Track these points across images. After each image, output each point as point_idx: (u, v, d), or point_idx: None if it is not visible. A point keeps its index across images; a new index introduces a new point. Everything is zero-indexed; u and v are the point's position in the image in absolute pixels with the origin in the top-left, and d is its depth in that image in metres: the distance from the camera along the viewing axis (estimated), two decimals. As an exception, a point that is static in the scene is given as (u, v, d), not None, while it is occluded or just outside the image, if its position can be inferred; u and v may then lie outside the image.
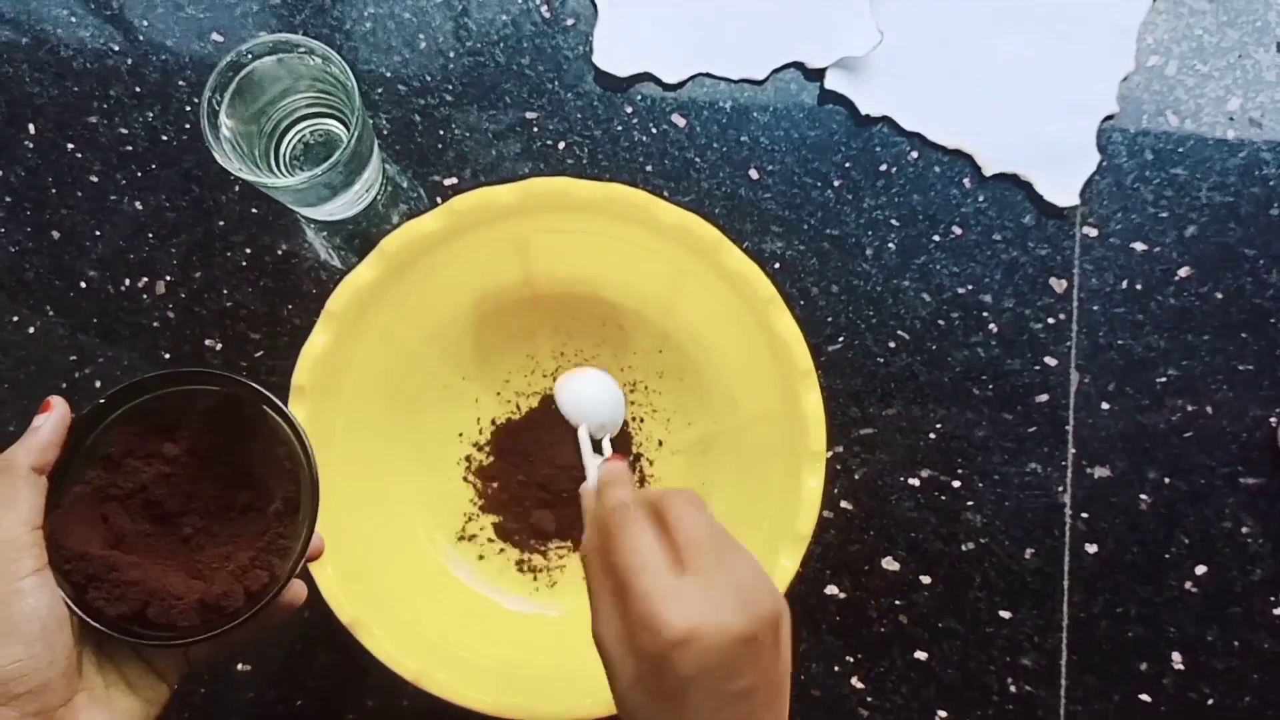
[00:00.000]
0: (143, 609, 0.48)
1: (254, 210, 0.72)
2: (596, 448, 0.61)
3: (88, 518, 0.49)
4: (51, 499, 0.48)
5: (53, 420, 0.49)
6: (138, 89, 0.73)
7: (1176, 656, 0.69)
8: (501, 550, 0.70)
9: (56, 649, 0.45)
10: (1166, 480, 0.70)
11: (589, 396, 0.66)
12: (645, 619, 0.43)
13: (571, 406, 0.65)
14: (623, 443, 0.70)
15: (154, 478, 0.51)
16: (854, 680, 0.69)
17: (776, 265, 0.72)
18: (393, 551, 0.67)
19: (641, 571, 0.45)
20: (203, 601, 0.48)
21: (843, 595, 0.70)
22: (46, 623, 0.45)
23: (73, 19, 0.73)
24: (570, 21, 0.74)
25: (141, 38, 0.73)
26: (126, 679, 0.49)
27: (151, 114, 0.73)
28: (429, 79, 0.73)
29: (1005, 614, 0.69)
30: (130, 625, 0.48)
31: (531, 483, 0.70)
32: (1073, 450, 0.70)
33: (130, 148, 0.73)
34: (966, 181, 0.72)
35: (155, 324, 0.71)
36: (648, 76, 0.73)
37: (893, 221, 0.72)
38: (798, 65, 0.73)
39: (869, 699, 0.69)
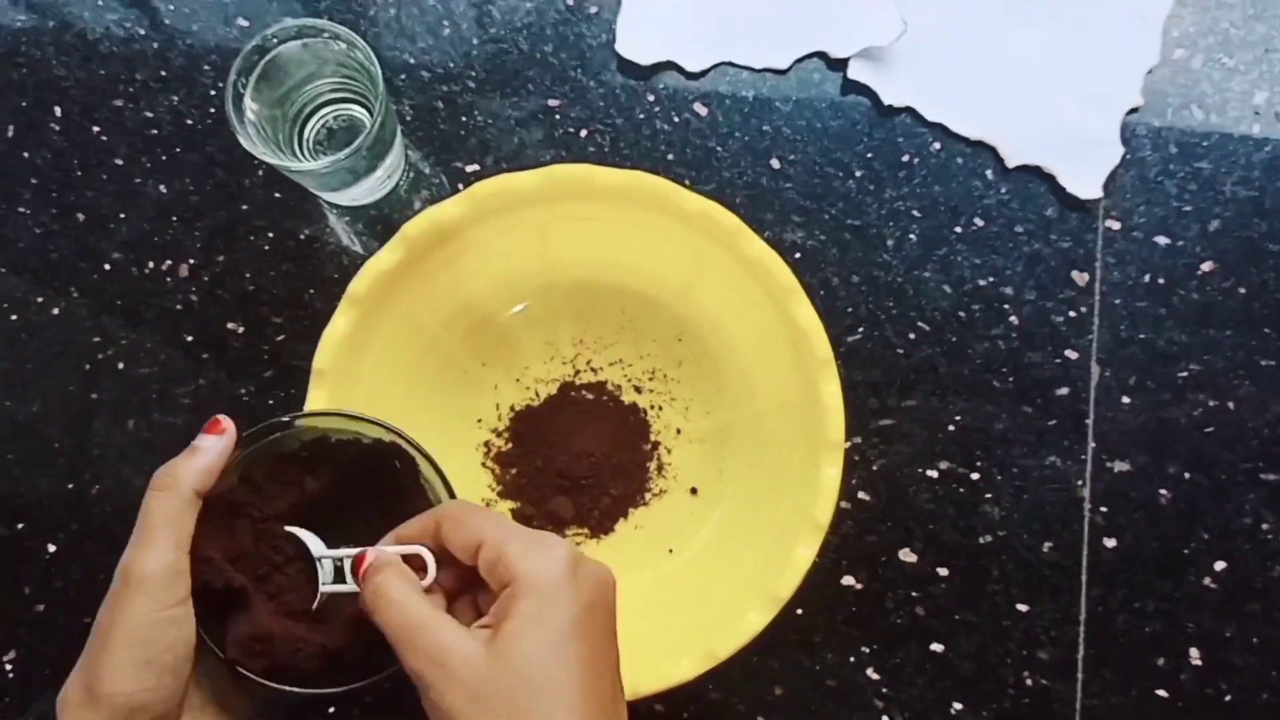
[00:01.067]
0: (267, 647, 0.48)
1: (277, 195, 0.72)
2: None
3: (216, 526, 0.49)
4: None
5: (221, 445, 0.48)
6: (163, 73, 0.73)
7: (1194, 652, 0.69)
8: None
9: (182, 681, 0.46)
10: (1187, 475, 0.70)
11: None
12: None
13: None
14: (630, 441, 0.70)
15: (288, 507, 0.50)
16: (870, 671, 0.69)
17: (797, 255, 0.72)
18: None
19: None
20: (325, 648, 0.48)
21: (859, 586, 0.70)
22: (181, 655, 0.45)
23: (99, 3, 0.74)
24: (594, 9, 0.74)
25: (168, 22, 0.74)
26: (218, 700, 0.49)
27: (177, 98, 0.73)
28: (452, 66, 0.73)
29: (1023, 607, 0.69)
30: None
31: (550, 469, 0.70)
32: (1093, 444, 0.70)
33: (155, 131, 0.73)
34: (989, 173, 0.72)
35: (178, 307, 0.72)
36: (670, 65, 0.73)
37: (914, 212, 0.72)
38: (821, 55, 0.73)
39: (884, 690, 0.69)
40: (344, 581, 0.49)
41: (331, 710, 0.69)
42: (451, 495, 0.51)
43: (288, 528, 0.50)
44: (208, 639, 0.47)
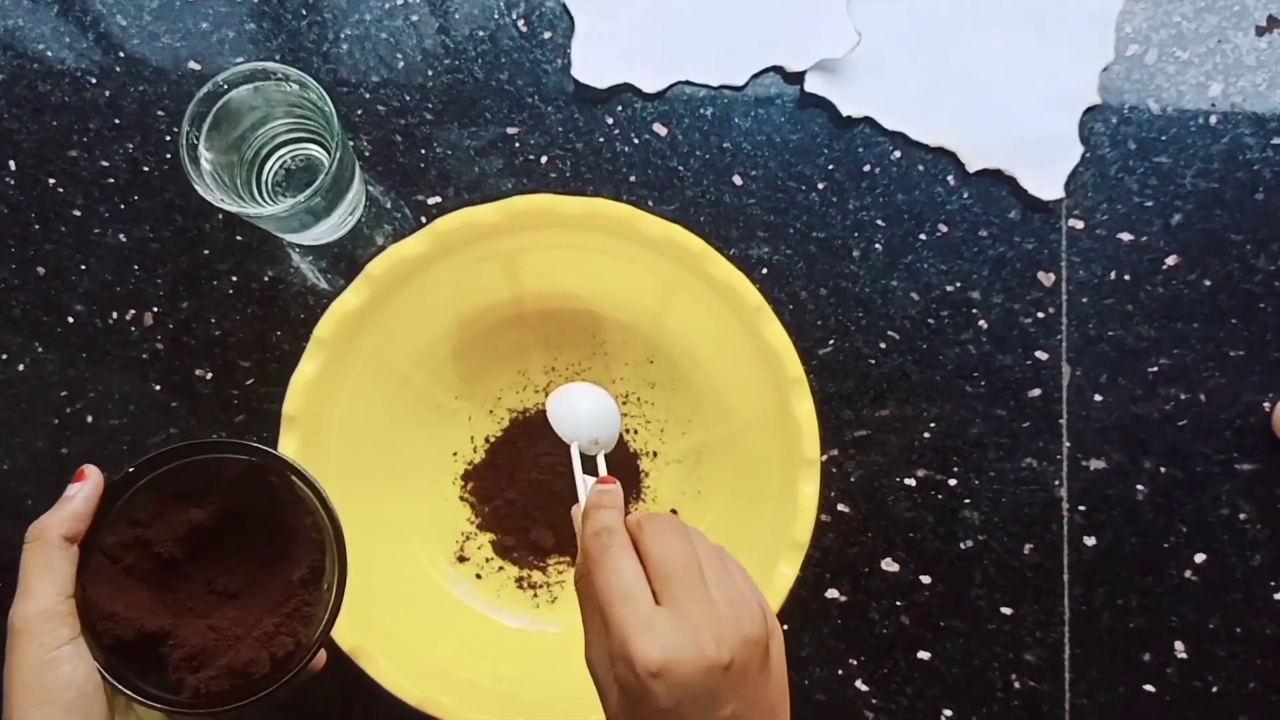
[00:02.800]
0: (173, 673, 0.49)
1: (239, 237, 0.72)
2: (590, 467, 0.60)
3: (114, 579, 0.50)
4: (80, 563, 0.48)
5: (86, 490, 0.49)
6: (117, 121, 0.73)
7: (1179, 646, 0.69)
8: (500, 568, 0.70)
9: (93, 714, 0.46)
10: (1162, 470, 0.70)
11: (582, 411, 0.65)
12: (620, 651, 0.44)
13: (563, 423, 0.64)
14: (619, 455, 0.70)
15: (179, 543, 0.51)
16: (858, 683, 0.69)
17: (764, 270, 0.72)
18: (392, 575, 0.67)
19: (617, 603, 0.45)
20: (230, 668, 0.49)
21: (844, 598, 0.70)
22: (84, 689, 0.46)
23: (48, 53, 0.73)
24: (547, 35, 0.73)
25: (119, 69, 0.73)
26: None
27: (131, 145, 0.73)
28: (408, 98, 0.73)
29: (1007, 610, 0.69)
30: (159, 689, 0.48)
31: (527, 498, 0.69)
32: (1067, 443, 0.70)
33: (112, 180, 0.72)
34: (950, 179, 0.72)
35: (145, 356, 0.71)
36: (627, 87, 0.73)
37: (878, 222, 0.72)
38: (777, 69, 0.73)
39: (874, 701, 0.69)
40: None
41: None
42: (325, 504, 0.51)
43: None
44: (108, 675, 0.47)
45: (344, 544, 0.51)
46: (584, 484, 0.56)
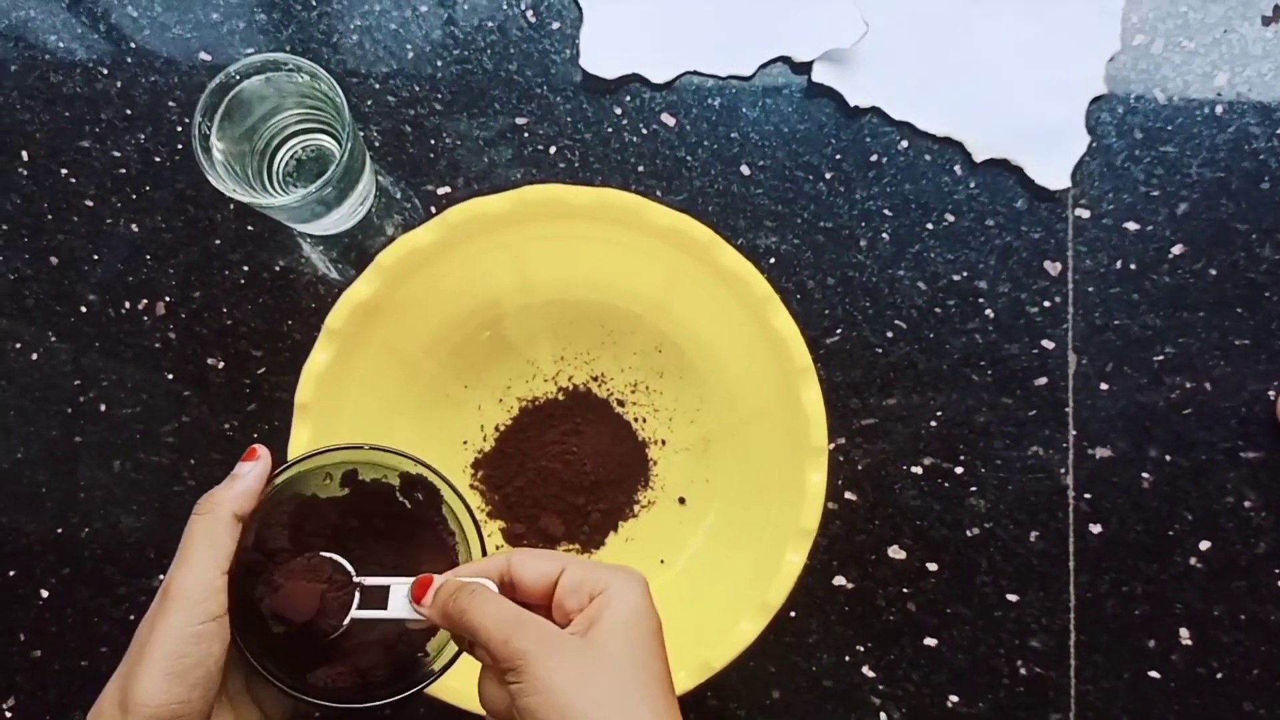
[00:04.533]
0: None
1: (250, 227, 0.72)
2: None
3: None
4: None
5: (257, 470, 0.50)
6: (128, 111, 0.73)
7: (1184, 632, 0.70)
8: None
9: (210, 695, 0.47)
10: (1168, 458, 0.71)
11: None
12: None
13: None
14: (629, 444, 0.70)
15: (324, 539, 0.53)
16: (865, 669, 0.70)
17: (771, 260, 0.72)
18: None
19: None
20: (355, 667, 0.51)
21: (850, 585, 0.70)
22: (212, 671, 0.46)
23: (60, 44, 0.74)
24: (556, 25, 0.74)
25: (130, 60, 0.73)
26: (238, 715, 0.50)
27: (143, 136, 0.73)
28: (418, 89, 0.73)
29: (1012, 597, 0.70)
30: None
31: (537, 486, 0.70)
32: (1073, 432, 0.71)
33: (124, 170, 0.73)
34: (957, 168, 0.72)
35: (157, 345, 0.72)
36: (636, 77, 0.73)
37: (885, 212, 0.72)
38: (785, 60, 0.73)
39: (880, 687, 0.70)
40: (380, 608, 0.50)
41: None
42: (474, 520, 0.52)
43: (324, 554, 0.52)
44: (256, 663, 0.48)
45: (482, 554, 0.52)
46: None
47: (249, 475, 0.50)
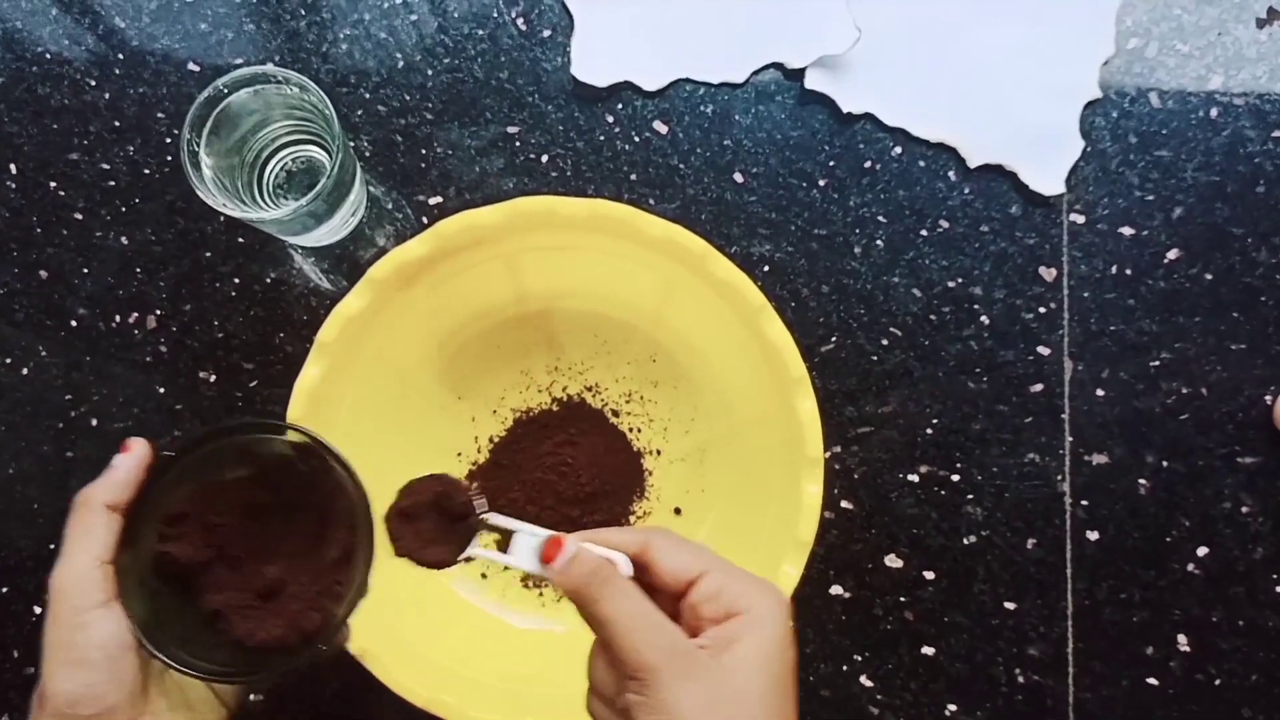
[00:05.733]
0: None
1: (240, 240, 0.72)
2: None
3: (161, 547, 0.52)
4: (126, 535, 0.50)
5: (129, 461, 0.51)
6: (117, 123, 0.73)
7: (1182, 639, 0.69)
8: (506, 567, 0.70)
9: (121, 675, 0.48)
10: (1165, 464, 0.70)
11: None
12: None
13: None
14: (624, 455, 0.70)
15: (220, 520, 0.53)
16: (863, 678, 0.70)
17: (765, 268, 0.72)
18: (398, 575, 0.67)
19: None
20: (263, 640, 0.51)
21: (847, 594, 0.70)
22: (111, 651, 0.48)
23: (47, 56, 0.73)
24: (547, 33, 0.73)
25: (118, 72, 0.73)
26: (189, 703, 0.52)
27: (132, 148, 0.73)
28: (408, 98, 0.73)
29: (1010, 605, 0.70)
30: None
31: (532, 499, 0.70)
32: (1070, 438, 0.71)
33: (113, 183, 0.72)
34: (951, 174, 0.72)
35: (149, 359, 0.71)
36: (627, 85, 0.72)
37: (880, 218, 0.72)
38: (777, 66, 0.73)
39: (878, 696, 0.70)
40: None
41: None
42: (357, 484, 0.52)
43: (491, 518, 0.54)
44: (145, 641, 0.49)
45: (373, 526, 0.52)
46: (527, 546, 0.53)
47: (120, 467, 0.51)
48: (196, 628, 0.52)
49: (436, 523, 0.55)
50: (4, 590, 0.71)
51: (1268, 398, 0.70)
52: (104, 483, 0.50)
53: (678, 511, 0.70)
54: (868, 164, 0.72)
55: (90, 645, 0.48)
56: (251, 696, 0.69)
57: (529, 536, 0.52)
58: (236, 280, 0.72)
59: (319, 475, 0.53)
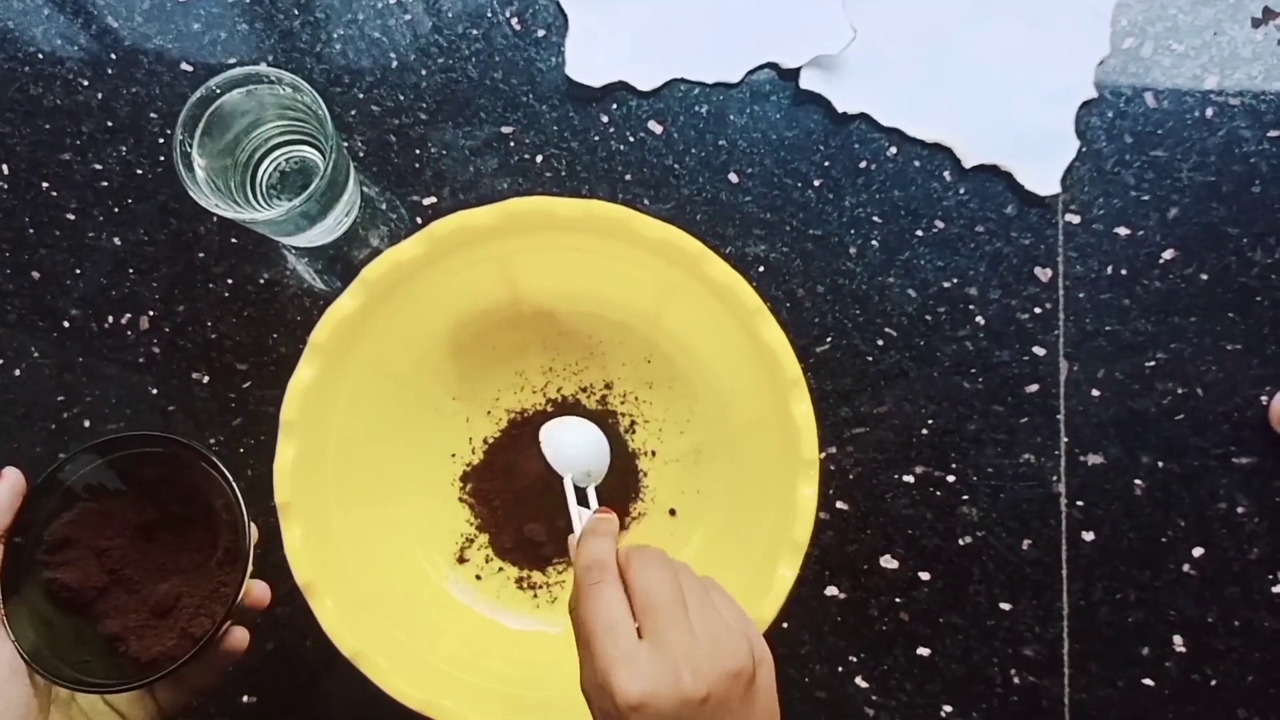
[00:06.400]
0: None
1: (233, 240, 0.72)
2: (582, 498, 0.61)
3: (49, 570, 0.53)
4: (10, 563, 0.51)
5: (2, 489, 0.51)
6: (109, 124, 0.72)
7: (1178, 639, 0.69)
8: (500, 569, 0.70)
9: (12, 697, 0.49)
10: (1160, 464, 0.70)
11: (574, 444, 0.66)
12: (603, 682, 0.45)
13: (558, 455, 0.65)
14: (618, 455, 0.70)
15: (111, 544, 0.54)
16: (858, 680, 0.70)
17: (760, 268, 0.71)
18: (393, 578, 0.67)
19: (600, 635, 0.46)
20: (158, 655, 0.52)
21: (843, 596, 0.70)
22: (20, 715, 0.48)
23: (40, 55, 0.73)
24: (541, 33, 0.73)
25: (111, 71, 0.73)
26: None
27: (125, 148, 0.72)
28: (402, 98, 0.73)
29: (1005, 606, 0.70)
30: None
31: (525, 499, 0.69)
32: (1065, 439, 0.70)
33: (105, 183, 0.72)
34: (947, 174, 0.72)
35: (141, 360, 0.71)
36: (622, 85, 0.72)
37: (875, 218, 0.72)
38: (772, 66, 0.73)
39: (874, 697, 0.70)
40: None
41: None
42: (230, 485, 0.53)
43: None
44: (28, 660, 0.49)
45: (246, 521, 0.52)
46: (578, 514, 0.58)
47: None
48: (98, 652, 0.53)
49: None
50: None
51: (1263, 398, 0.70)
52: None
53: (672, 513, 0.70)
54: (863, 164, 0.72)
55: (7, 708, 0.48)
56: (245, 699, 0.69)
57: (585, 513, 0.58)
58: (230, 281, 0.72)
59: (199, 482, 0.54)
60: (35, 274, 0.72)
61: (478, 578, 0.70)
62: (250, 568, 0.53)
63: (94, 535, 0.54)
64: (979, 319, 0.71)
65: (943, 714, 0.69)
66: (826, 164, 0.72)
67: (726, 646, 0.46)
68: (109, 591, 0.54)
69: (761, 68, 0.73)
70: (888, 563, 0.70)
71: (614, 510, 0.58)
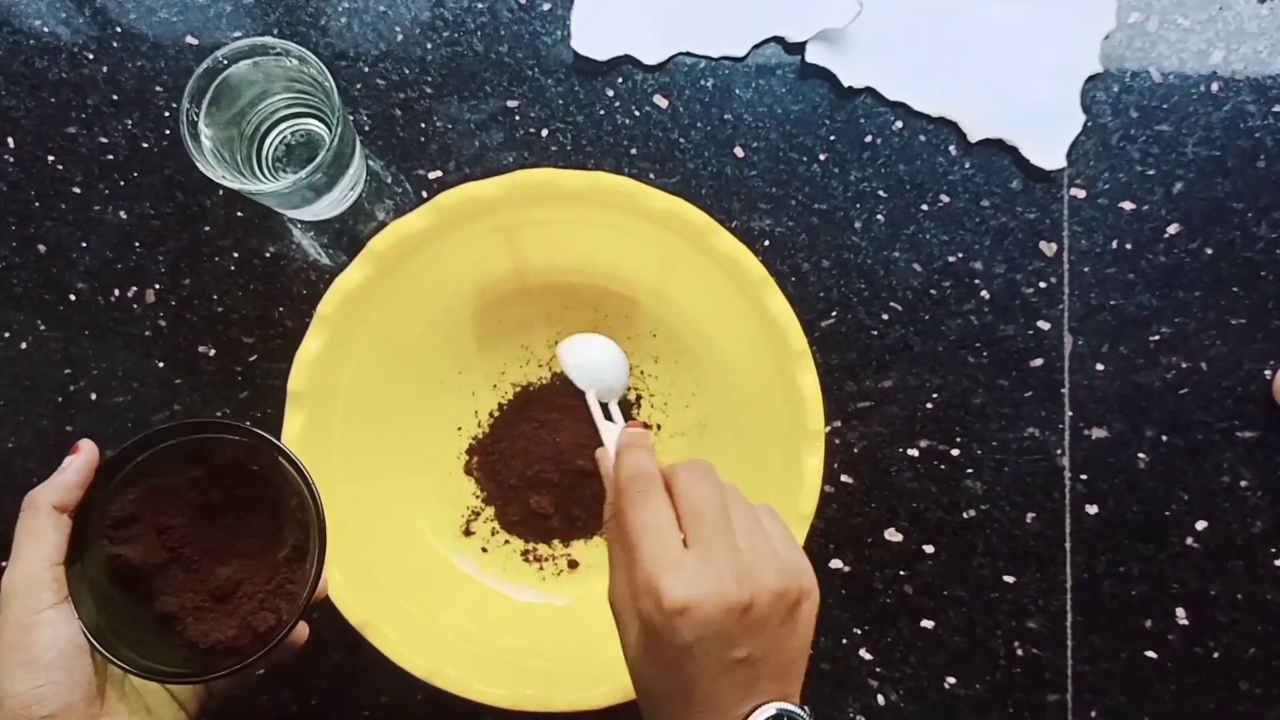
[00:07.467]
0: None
1: (239, 214, 0.72)
2: (605, 414, 0.60)
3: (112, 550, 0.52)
4: (76, 537, 0.50)
5: (78, 463, 0.51)
6: (115, 97, 0.72)
7: (1180, 612, 0.70)
8: (506, 541, 0.70)
9: (75, 676, 0.48)
10: (1164, 438, 0.70)
11: (595, 361, 0.65)
12: (647, 586, 0.45)
13: (579, 371, 0.64)
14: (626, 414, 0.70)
15: (172, 522, 0.53)
16: (862, 652, 0.70)
17: (766, 243, 0.71)
18: (399, 550, 0.67)
19: (648, 540, 0.47)
20: (217, 641, 0.51)
21: (847, 568, 0.70)
22: (65, 651, 0.48)
23: (45, 29, 0.73)
24: (546, 6, 0.73)
25: (116, 44, 0.73)
26: (148, 706, 0.51)
27: (130, 121, 0.72)
28: (407, 72, 0.73)
29: (1009, 579, 0.70)
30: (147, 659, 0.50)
31: (531, 472, 0.70)
32: (1069, 413, 0.71)
33: (111, 157, 0.72)
34: (952, 149, 0.72)
35: (148, 333, 0.71)
36: (627, 59, 0.72)
37: (880, 193, 0.72)
38: (778, 40, 0.72)
39: (878, 669, 0.70)
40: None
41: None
42: (308, 485, 0.52)
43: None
44: (93, 641, 0.48)
45: (324, 523, 0.52)
46: (605, 428, 0.58)
47: (69, 469, 0.51)
48: (151, 630, 0.52)
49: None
50: (3, 565, 0.70)
51: (1267, 372, 0.70)
52: (52, 485, 0.50)
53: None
54: (868, 139, 0.72)
55: (42, 646, 0.47)
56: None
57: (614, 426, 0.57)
58: (236, 255, 0.72)
59: (270, 473, 0.53)
60: (41, 247, 0.72)
61: (484, 550, 0.70)
62: (323, 570, 0.52)
63: (157, 513, 0.53)
64: (984, 293, 0.71)
65: (946, 686, 0.70)
66: (832, 138, 0.72)
67: (772, 565, 0.47)
68: (167, 569, 0.53)
69: (767, 42, 0.73)
70: (892, 536, 0.70)
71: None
